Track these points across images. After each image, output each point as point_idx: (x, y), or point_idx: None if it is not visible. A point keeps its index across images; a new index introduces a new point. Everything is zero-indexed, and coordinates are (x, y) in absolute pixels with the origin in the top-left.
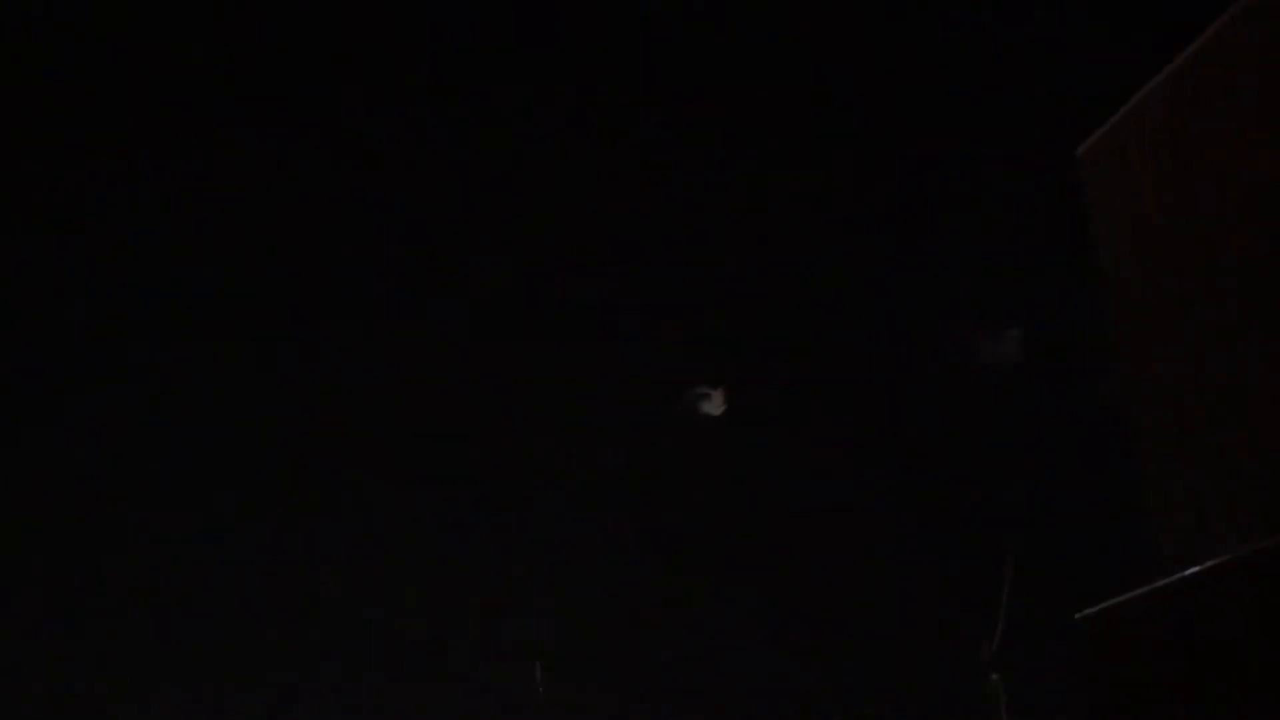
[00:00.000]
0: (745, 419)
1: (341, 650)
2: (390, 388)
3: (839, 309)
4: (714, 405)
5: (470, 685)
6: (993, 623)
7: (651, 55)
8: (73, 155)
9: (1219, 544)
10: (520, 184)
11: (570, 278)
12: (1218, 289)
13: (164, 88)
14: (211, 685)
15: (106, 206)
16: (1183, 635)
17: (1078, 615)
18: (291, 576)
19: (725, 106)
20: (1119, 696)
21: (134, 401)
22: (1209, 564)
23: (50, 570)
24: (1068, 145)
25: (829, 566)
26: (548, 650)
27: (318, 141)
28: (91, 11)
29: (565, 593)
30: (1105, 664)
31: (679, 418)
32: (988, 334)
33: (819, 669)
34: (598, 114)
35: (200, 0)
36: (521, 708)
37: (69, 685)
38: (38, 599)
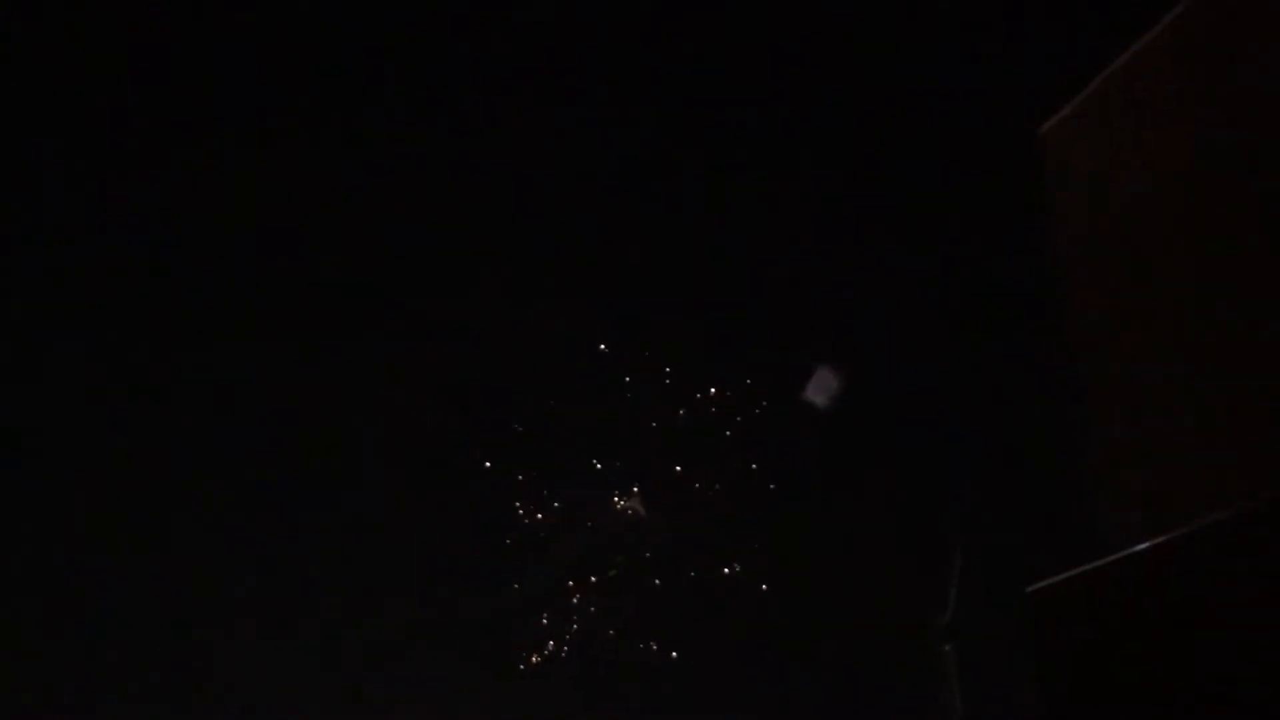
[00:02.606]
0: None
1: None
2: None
3: (790, 289)
4: (823, 392)
5: None
6: (945, 595)
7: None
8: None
9: (1167, 521)
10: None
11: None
12: (1177, 270)
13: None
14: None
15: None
16: (1131, 610)
17: (1028, 589)
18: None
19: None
20: (1068, 669)
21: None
22: (1157, 540)
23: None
24: (1030, 123)
25: (778, 539)
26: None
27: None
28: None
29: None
30: (1054, 637)
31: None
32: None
33: (769, 640)
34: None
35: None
36: None
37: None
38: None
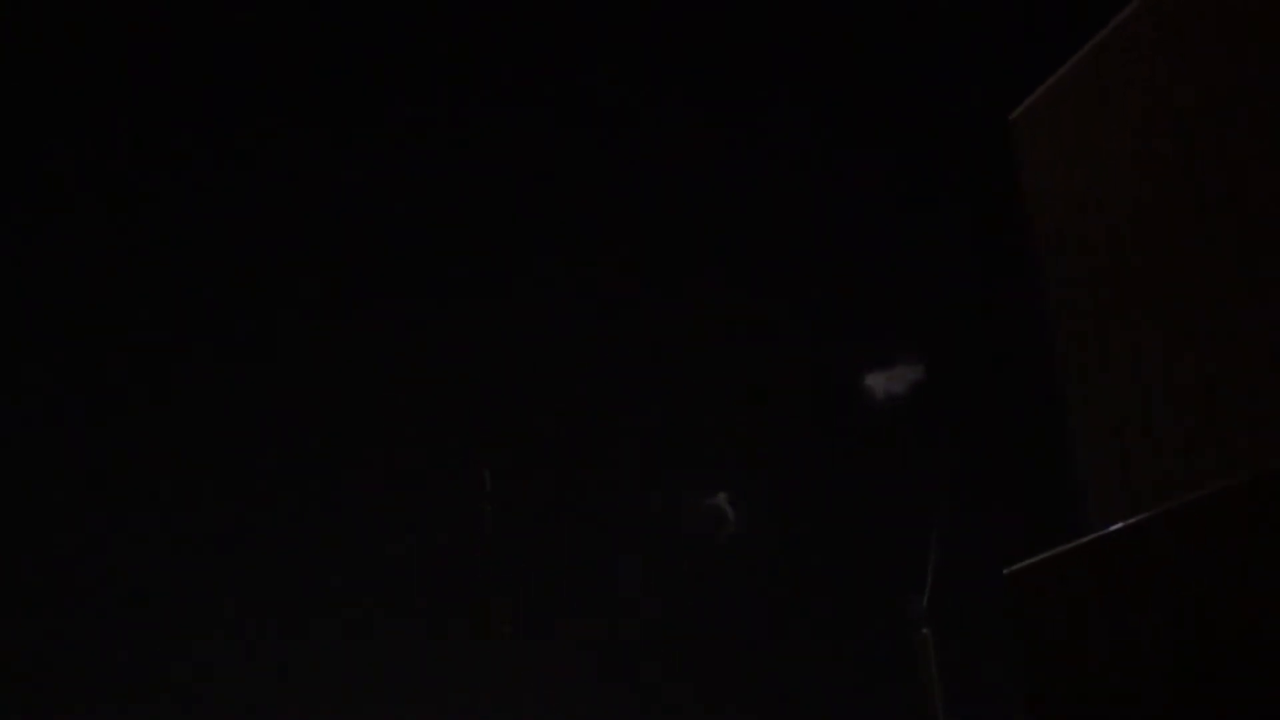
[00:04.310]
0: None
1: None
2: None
3: (772, 287)
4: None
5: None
6: (922, 579)
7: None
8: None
9: (1144, 504)
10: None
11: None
12: (1153, 256)
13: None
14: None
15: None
16: (1105, 588)
17: (1005, 570)
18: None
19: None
20: (1044, 647)
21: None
22: (1130, 521)
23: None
24: (1000, 110)
25: (767, 528)
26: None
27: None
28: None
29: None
30: (1031, 616)
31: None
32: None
33: (757, 626)
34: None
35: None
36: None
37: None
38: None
